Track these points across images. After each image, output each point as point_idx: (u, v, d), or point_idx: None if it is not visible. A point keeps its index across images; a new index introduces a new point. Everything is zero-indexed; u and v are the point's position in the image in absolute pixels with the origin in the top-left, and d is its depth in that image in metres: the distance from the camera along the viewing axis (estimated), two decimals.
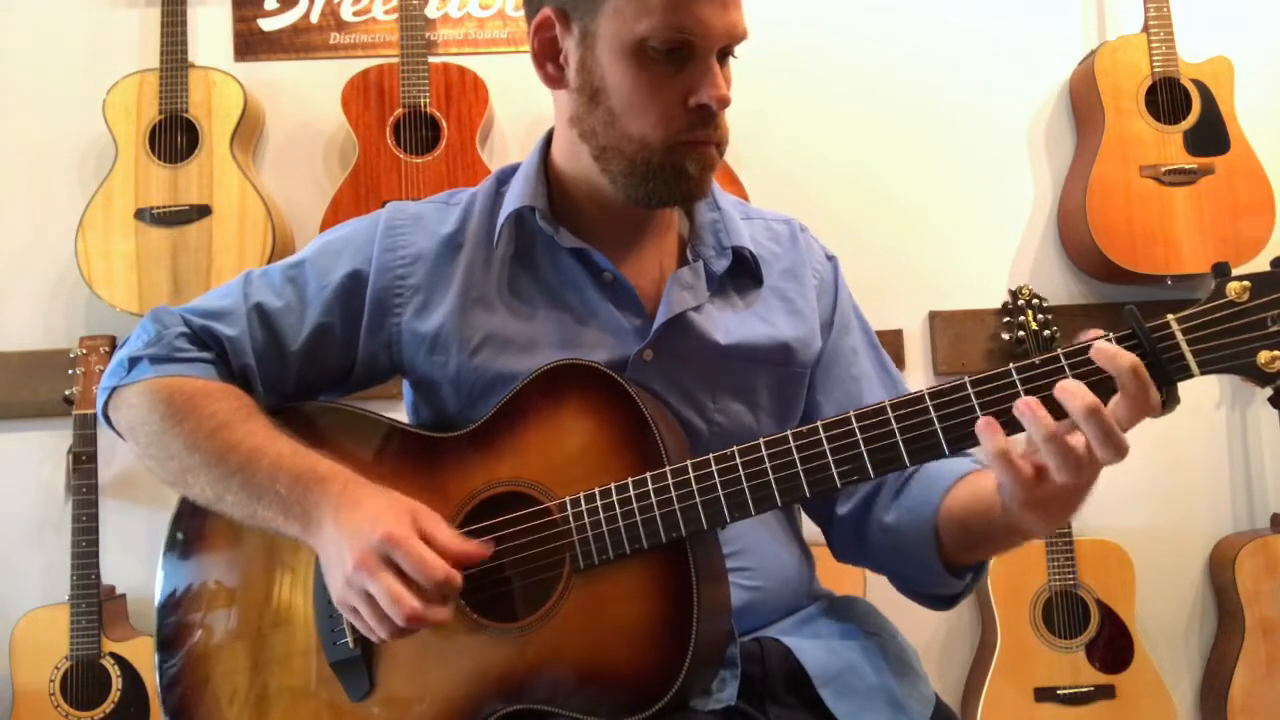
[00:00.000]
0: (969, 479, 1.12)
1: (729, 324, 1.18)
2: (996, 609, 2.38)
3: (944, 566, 1.12)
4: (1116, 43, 2.55)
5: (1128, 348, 0.91)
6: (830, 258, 1.31)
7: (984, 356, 2.63)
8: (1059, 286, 2.66)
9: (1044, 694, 2.36)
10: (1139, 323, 0.91)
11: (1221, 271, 0.91)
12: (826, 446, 0.98)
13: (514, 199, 1.20)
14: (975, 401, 0.94)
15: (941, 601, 1.19)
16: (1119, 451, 0.89)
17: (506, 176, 1.25)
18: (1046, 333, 2.43)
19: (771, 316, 1.21)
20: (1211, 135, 2.48)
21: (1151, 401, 0.88)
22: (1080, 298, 2.67)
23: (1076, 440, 0.89)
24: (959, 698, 2.54)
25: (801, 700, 1.07)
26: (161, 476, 1.16)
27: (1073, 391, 0.88)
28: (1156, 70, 2.50)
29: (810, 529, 1.27)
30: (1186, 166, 2.47)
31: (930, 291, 2.66)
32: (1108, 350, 0.89)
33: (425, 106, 2.49)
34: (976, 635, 2.54)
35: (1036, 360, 0.93)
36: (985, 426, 0.91)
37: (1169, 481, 2.61)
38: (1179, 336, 0.90)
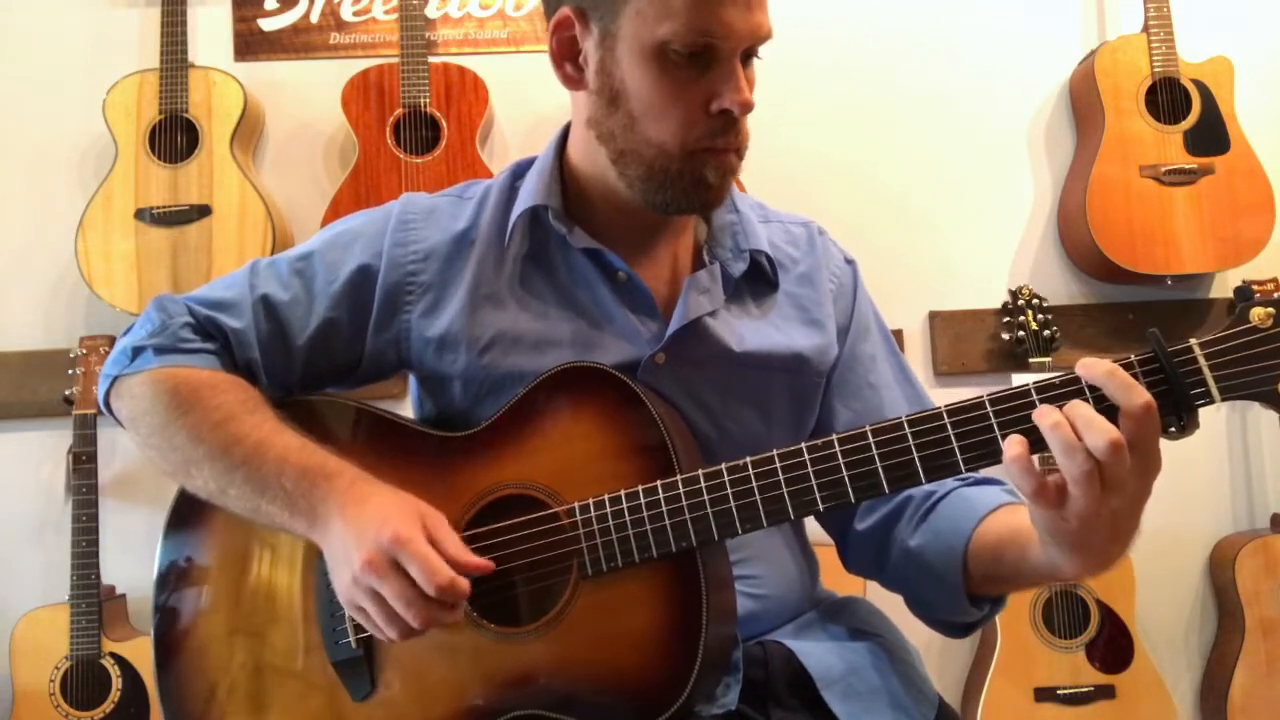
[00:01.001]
0: (1005, 511, 1.10)
1: (744, 331, 1.16)
2: None
3: (967, 596, 1.10)
4: (1116, 43, 2.55)
5: (1148, 370, 0.89)
6: (849, 261, 1.29)
7: (984, 356, 2.63)
8: (1059, 286, 2.66)
9: (1044, 694, 2.36)
10: (1161, 346, 0.89)
11: (1244, 296, 0.90)
12: (841, 460, 0.97)
13: (528, 196, 1.18)
14: (994, 420, 0.92)
15: (957, 629, 1.17)
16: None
17: (522, 170, 1.23)
18: (1046, 333, 2.43)
19: (786, 325, 1.19)
20: (1211, 135, 2.48)
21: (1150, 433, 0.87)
22: (1080, 298, 2.68)
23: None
24: (959, 698, 2.54)
25: (804, 703, 1.06)
26: (163, 468, 1.15)
27: (1091, 424, 0.86)
28: (1156, 70, 2.50)
29: (812, 528, 1.27)
30: (1186, 166, 2.47)
31: (930, 291, 2.66)
32: (1124, 380, 0.87)
33: (425, 106, 2.49)
34: (977, 635, 2.54)
35: (1056, 380, 0.91)
36: (1011, 440, 0.89)
37: (1169, 482, 2.57)
38: (1201, 362, 0.88)
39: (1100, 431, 0.85)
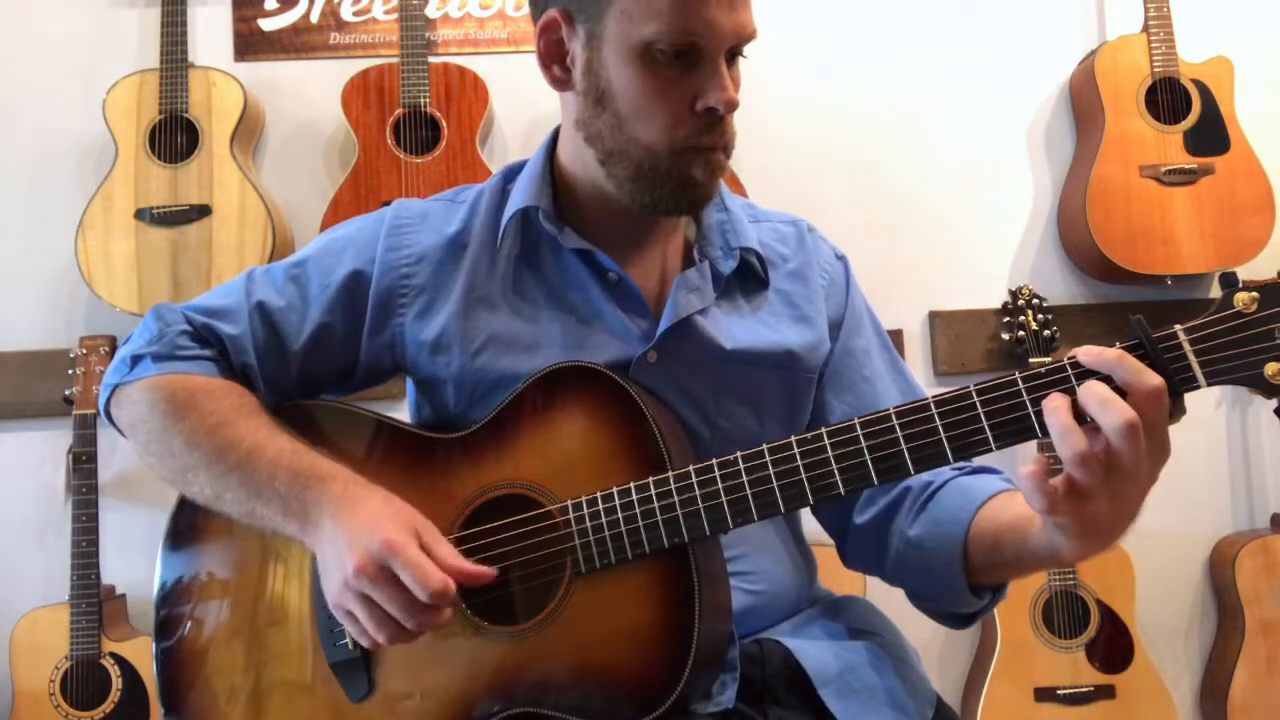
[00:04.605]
0: (1004, 497, 1.10)
1: (734, 328, 1.17)
2: (996, 609, 2.38)
3: (967, 585, 1.10)
4: (1116, 43, 2.55)
5: (1135, 358, 0.89)
6: (840, 257, 1.29)
7: (984, 356, 2.63)
8: (1059, 286, 2.66)
9: (1044, 694, 2.36)
10: (1146, 333, 0.89)
11: (1229, 282, 0.90)
12: (831, 454, 0.97)
13: (519, 198, 1.19)
14: (980, 410, 0.93)
15: (958, 620, 1.17)
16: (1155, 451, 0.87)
17: (513, 174, 1.24)
18: (1046, 333, 2.43)
19: (777, 322, 1.20)
20: (1211, 135, 2.48)
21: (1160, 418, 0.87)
22: (1080, 298, 2.68)
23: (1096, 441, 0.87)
24: (959, 698, 2.54)
25: (802, 701, 1.07)
26: (162, 474, 1.16)
27: (1108, 404, 0.86)
28: (1156, 70, 2.50)
29: (811, 528, 1.27)
30: (1186, 166, 2.47)
31: (930, 291, 2.66)
32: (1131, 364, 0.87)
33: (425, 106, 2.49)
34: (976, 635, 2.55)
35: (1043, 370, 0.91)
36: (1032, 461, 0.89)
37: (1169, 482, 2.57)
38: (1186, 348, 0.89)
39: (1117, 411, 0.85)
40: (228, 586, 1.16)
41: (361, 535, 0.98)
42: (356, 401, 1.21)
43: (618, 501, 1.02)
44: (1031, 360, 2.42)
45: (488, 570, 1.01)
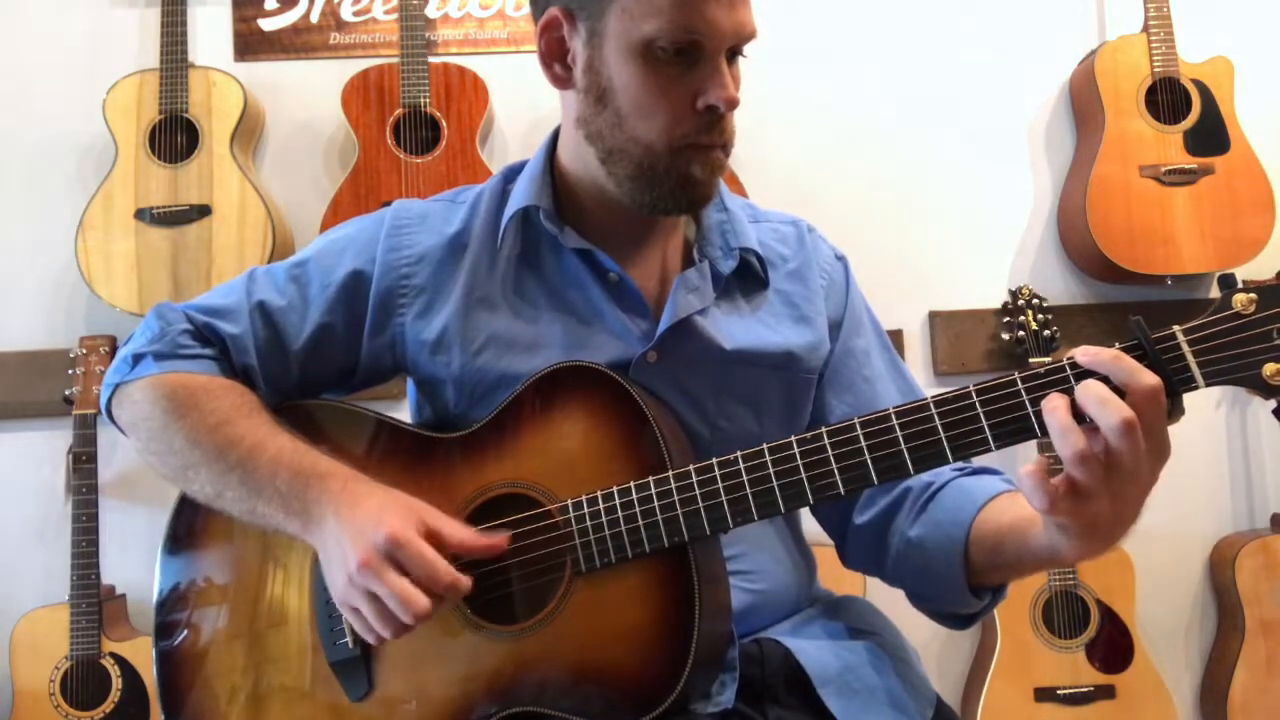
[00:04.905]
0: (1004, 499, 1.10)
1: (734, 329, 1.17)
2: (996, 609, 2.37)
3: (968, 586, 1.10)
4: (1116, 43, 2.55)
5: (1133, 357, 0.89)
6: (840, 258, 1.30)
7: (984, 356, 2.63)
8: (1059, 286, 2.66)
9: (1044, 694, 2.36)
10: (1144, 333, 0.90)
11: (1228, 283, 0.90)
12: (830, 453, 0.97)
13: (519, 198, 1.19)
14: (980, 410, 0.93)
15: (957, 620, 1.17)
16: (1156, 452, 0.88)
17: (513, 174, 1.24)
18: (1046, 333, 2.43)
19: (777, 323, 1.20)
20: (1211, 135, 2.48)
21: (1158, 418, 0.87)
22: (1080, 298, 2.68)
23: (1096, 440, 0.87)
24: (959, 698, 2.54)
25: (802, 701, 1.06)
26: (163, 473, 1.16)
27: (1106, 403, 0.86)
28: (1156, 70, 2.50)
29: (811, 528, 1.27)
30: (1186, 166, 2.47)
31: (930, 291, 2.66)
32: (1129, 365, 0.87)
33: (425, 106, 2.49)
34: (976, 635, 2.54)
35: (1042, 370, 0.92)
36: (1032, 463, 0.89)
37: (1169, 482, 2.57)
38: (1185, 348, 0.89)
39: (1115, 410, 0.85)
40: (227, 589, 1.16)
41: (365, 530, 0.99)
42: (357, 401, 1.21)
43: (618, 500, 1.02)
44: (1031, 360, 2.42)
45: (499, 539, 1.02)
